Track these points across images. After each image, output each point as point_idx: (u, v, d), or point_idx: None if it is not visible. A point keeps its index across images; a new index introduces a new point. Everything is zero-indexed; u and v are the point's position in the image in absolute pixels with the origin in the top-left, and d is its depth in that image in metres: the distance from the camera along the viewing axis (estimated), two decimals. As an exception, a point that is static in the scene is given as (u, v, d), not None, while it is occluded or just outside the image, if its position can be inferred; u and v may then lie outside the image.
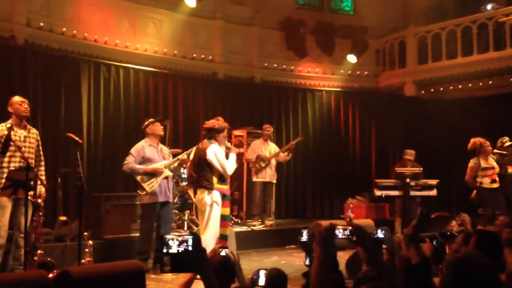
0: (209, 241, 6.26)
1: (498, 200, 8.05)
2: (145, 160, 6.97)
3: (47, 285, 3.56)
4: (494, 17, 10.51)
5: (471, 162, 8.07)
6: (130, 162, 6.91)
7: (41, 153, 6.01)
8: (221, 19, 11.10)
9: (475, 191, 8.21)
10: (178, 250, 2.52)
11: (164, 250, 2.53)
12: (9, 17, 8.27)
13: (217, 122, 6.66)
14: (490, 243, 3.50)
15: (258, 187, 9.63)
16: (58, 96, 8.72)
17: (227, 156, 6.61)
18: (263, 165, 9.57)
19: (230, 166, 6.53)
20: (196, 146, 6.83)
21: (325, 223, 7.91)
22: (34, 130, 5.94)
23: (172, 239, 2.54)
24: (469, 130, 9.96)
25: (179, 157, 7.15)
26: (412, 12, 12.73)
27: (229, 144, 6.87)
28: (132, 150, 7.03)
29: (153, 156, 7.02)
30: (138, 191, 7.00)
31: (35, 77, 8.48)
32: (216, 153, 6.43)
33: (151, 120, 7.26)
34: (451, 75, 11.31)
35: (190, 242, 2.50)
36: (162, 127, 7.28)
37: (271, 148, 9.76)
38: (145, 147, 7.04)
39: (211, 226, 6.42)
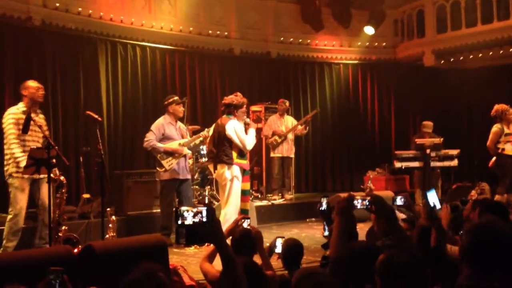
0: (230, 215, 6.33)
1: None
2: (164, 137, 7.04)
3: (73, 259, 3.65)
4: (514, -18, 10.25)
5: (495, 127, 7.96)
6: (152, 139, 6.97)
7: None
8: (235, -6, 11.03)
9: (494, 159, 8.11)
10: (193, 222, 2.56)
11: (179, 222, 2.57)
12: (25, -2, 8.31)
13: (236, 97, 6.67)
14: (494, 211, 3.49)
15: (276, 162, 9.66)
16: (77, 76, 8.79)
17: (246, 132, 6.63)
18: (279, 140, 9.56)
19: (249, 141, 6.55)
20: (216, 122, 6.85)
21: (344, 195, 7.99)
22: (41, 115, 5.99)
23: (187, 211, 2.58)
24: (490, 100, 9.79)
25: (199, 134, 7.17)
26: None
27: (248, 120, 6.88)
28: (153, 127, 7.08)
29: (172, 134, 7.08)
30: (157, 168, 7.08)
31: (53, 57, 8.55)
32: (235, 129, 6.46)
33: (175, 99, 7.25)
34: (471, 43, 11.10)
35: (204, 213, 2.53)
36: (183, 108, 7.29)
37: (288, 122, 9.74)
38: (164, 124, 7.09)
39: (232, 201, 6.48)
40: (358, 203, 3.68)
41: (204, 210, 2.53)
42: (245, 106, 6.77)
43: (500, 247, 2.20)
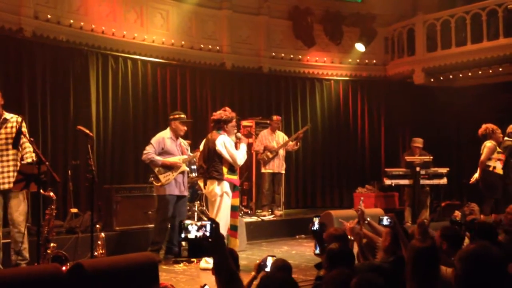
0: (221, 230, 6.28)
1: (504, 187, 7.95)
2: (164, 152, 6.98)
3: (62, 278, 3.58)
4: (504, 3, 10.35)
5: (490, 143, 7.88)
6: (150, 152, 6.91)
7: (25, 145, 5.70)
8: (228, 9, 11.04)
9: (476, 176, 8.03)
10: (196, 235, 2.52)
11: (183, 235, 2.53)
12: (17, 10, 8.25)
13: (224, 112, 6.62)
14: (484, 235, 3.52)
15: (267, 178, 9.62)
16: (67, 88, 8.72)
17: (237, 146, 6.60)
18: (270, 156, 9.54)
19: (240, 156, 6.51)
20: (206, 137, 6.82)
21: (335, 213, 7.99)
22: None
23: (191, 224, 2.55)
24: (479, 118, 9.85)
25: (195, 154, 7.12)
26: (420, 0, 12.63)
27: (239, 134, 6.82)
28: (153, 141, 7.03)
29: (172, 149, 7.03)
30: (153, 182, 7.00)
31: (44, 69, 8.48)
32: (225, 144, 6.42)
33: (182, 117, 7.20)
34: (461, 62, 11.20)
35: (208, 228, 2.50)
36: (185, 128, 7.24)
37: (279, 138, 9.73)
38: (166, 139, 7.04)
39: (222, 216, 6.42)
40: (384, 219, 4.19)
41: (208, 224, 2.50)
42: (234, 120, 6.72)
43: (494, 274, 2.19)
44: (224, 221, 6.45)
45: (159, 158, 6.89)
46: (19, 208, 5.47)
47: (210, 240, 2.50)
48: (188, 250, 2.34)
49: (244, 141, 6.75)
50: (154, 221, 7.12)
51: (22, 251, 5.47)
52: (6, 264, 5.61)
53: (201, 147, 6.80)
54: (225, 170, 6.48)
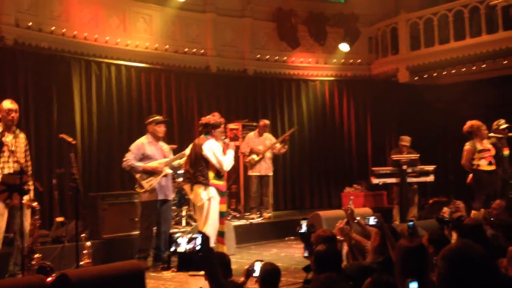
0: (209, 236, 6.23)
1: (495, 183, 8.03)
2: (145, 157, 6.93)
3: (46, 289, 3.54)
4: (485, 0, 10.44)
5: (467, 145, 8.01)
6: (130, 159, 6.86)
7: (29, 158, 5.92)
8: (212, 12, 11.01)
9: (471, 175, 8.19)
10: (186, 248, 2.49)
11: (173, 249, 2.50)
12: (-3, 18, 8.17)
13: (213, 117, 6.60)
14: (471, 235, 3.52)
15: (254, 181, 9.60)
16: (50, 96, 8.64)
17: (224, 152, 6.56)
18: (256, 159, 9.50)
19: (227, 161, 6.47)
20: (193, 142, 6.77)
21: (324, 213, 7.98)
22: (22, 135, 5.86)
23: (181, 237, 2.51)
24: (464, 115, 9.93)
25: (181, 154, 7.07)
26: (403, -2, 12.70)
27: (227, 140, 6.83)
28: (132, 147, 6.98)
29: (153, 154, 6.98)
30: (136, 189, 6.96)
31: (26, 77, 8.39)
32: (213, 149, 6.38)
33: (156, 118, 7.17)
34: (444, 60, 11.26)
35: (198, 241, 2.47)
36: (164, 129, 7.19)
37: (266, 140, 9.70)
38: (145, 144, 6.99)
39: (210, 222, 6.36)
40: (371, 219, 4.17)
41: (198, 237, 2.47)
42: (222, 125, 6.71)
43: (476, 272, 2.19)
44: (213, 226, 6.39)
45: (139, 164, 6.84)
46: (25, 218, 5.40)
47: (200, 254, 2.48)
48: (178, 263, 2.28)
49: (232, 147, 6.73)
50: (140, 228, 7.05)
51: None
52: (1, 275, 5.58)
53: (188, 151, 6.75)
54: (211, 175, 6.44)
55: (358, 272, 3.80)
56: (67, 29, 8.96)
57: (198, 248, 2.44)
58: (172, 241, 2.38)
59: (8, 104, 5.74)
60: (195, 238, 2.44)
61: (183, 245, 2.42)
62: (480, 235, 4.09)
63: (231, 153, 6.59)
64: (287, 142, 9.96)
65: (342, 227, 4.42)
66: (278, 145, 9.71)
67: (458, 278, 2.19)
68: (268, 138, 9.76)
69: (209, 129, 6.53)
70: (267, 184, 9.73)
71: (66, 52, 8.94)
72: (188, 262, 2.39)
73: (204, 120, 6.62)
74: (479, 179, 7.94)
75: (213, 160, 6.37)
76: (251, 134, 9.77)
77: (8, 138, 5.59)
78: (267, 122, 9.86)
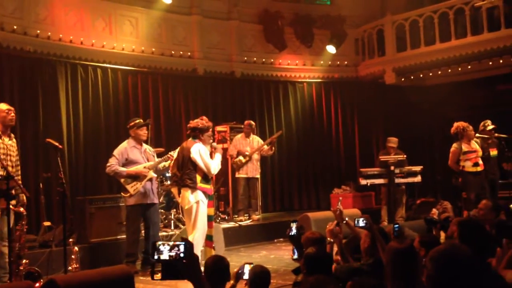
0: (197, 241, 6.21)
1: (481, 184, 8.10)
2: (128, 162, 6.89)
3: (34, 295, 3.49)
4: (470, 1, 10.52)
5: (453, 147, 8.12)
6: (113, 164, 6.82)
7: (19, 162, 5.86)
8: (198, 15, 10.98)
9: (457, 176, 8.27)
10: (169, 256, 2.46)
11: (156, 257, 2.47)
12: (-19, 21, 8.08)
13: (201, 121, 6.58)
14: (473, 233, 3.52)
15: (241, 183, 9.58)
16: (36, 100, 8.56)
17: (212, 156, 6.55)
18: (243, 161, 9.49)
19: (214, 165, 6.46)
20: (181, 145, 6.74)
21: (313, 215, 7.99)
22: (14, 139, 5.81)
23: (163, 244, 2.48)
24: (450, 115, 10.02)
25: (166, 157, 7.05)
26: (389, 0, 12.76)
27: (214, 144, 6.83)
28: (115, 152, 6.93)
29: (136, 158, 6.94)
30: (122, 193, 6.93)
31: (11, 81, 8.31)
32: (201, 152, 6.36)
33: (137, 122, 7.13)
34: (430, 61, 11.33)
35: (182, 248, 2.44)
36: (146, 132, 7.15)
37: (254, 142, 9.68)
38: (127, 148, 6.95)
39: (199, 226, 6.34)
40: (360, 221, 4.18)
41: (182, 245, 2.44)
42: (210, 130, 6.71)
43: (464, 272, 2.21)
44: (202, 229, 6.38)
45: (123, 169, 6.80)
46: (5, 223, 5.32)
47: (184, 261, 2.44)
48: (162, 272, 2.26)
49: (219, 151, 6.72)
50: (126, 232, 7.01)
51: (6, 264, 5.32)
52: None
53: (175, 154, 6.72)
54: (198, 178, 6.41)
55: (347, 274, 3.81)
56: (52, 32, 8.89)
57: (181, 255, 2.40)
58: (155, 249, 2.35)
59: (5, 105, 5.69)
60: (178, 245, 2.39)
61: (166, 253, 2.39)
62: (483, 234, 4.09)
63: (218, 157, 6.58)
64: (274, 144, 9.95)
65: (332, 229, 4.42)
66: (265, 147, 9.70)
67: (446, 279, 2.20)
68: (256, 140, 9.75)
69: (197, 133, 6.51)
70: (255, 186, 9.72)
71: (52, 55, 8.87)
72: (172, 271, 2.35)
73: (193, 124, 6.59)
74: (465, 181, 8.04)
75: (200, 163, 6.34)
76: (238, 136, 9.76)
77: (5, 141, 5.52)
78: (251, 122, 9.83)
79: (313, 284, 2.78)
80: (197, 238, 6.26)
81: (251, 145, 9.61)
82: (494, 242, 3.89)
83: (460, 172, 8.05)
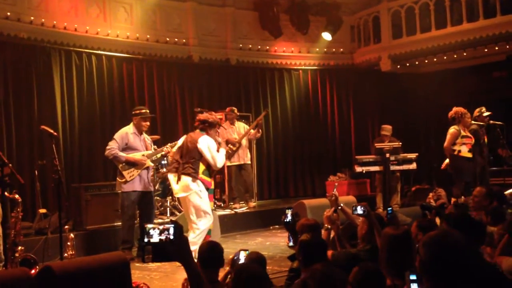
0: (205, 226, 6.30)
1: (474, 170, 8.10)
2: (128, 147, 6.88)
3: (30, 282, 3.49)
4: (466, -12, 10.51)
5: (453, 128, 7.98)
6: (113, 148, 6.79)
7: None
8: (193, 1, 10.89)
9: (446, 161, 8.22)
10: (160, 239, 2.46)
11: (146, 240, 2.47)
12: (-26, 8, 8.01)
13: (212, 116, 6.62)
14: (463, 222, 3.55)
15: (233, 171, 9.57)
16: (30, 87, 8.50)
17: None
18: (234, 148, 9.44)
19: (220, 159, 6.48)
20: (187, 134, 6.70)
21: (308, 202, 8.01)
22: None
23: (153, 228, 2.48)
24: (445, 102, 10.01)
25: (163, 148, 7.07)
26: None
27: (220, 139, 6.89)
28: (116, 136, 6.91)
29: (136, 145, 6.94)
30: (118, 178, 6.90)
31: (5, 68, 8.26)
32: (209, 145, 6.36)
33: (143, 111, 7.10)
34: (426, 48, 11.31)
35: (171, 231, 2.44)
36: (148, 124, 7.14)
37: (240, 128, 9.58)
38: (129, 134, 6.94)
39: (209, 211, 6.39)
40: (358, 209, 4.15)
41: (171, 227, 2.43)
42: (217, 126, 6.73)
43: (456, 258, 2.22)
44: (210, 217, 6.40)
45: (122, 154, 6.79)
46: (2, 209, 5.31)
47: (173, 244, 2.44)
48: (152, 255, 2.27)
49: (224, 147, 6.78)
50: (121, 219, 7.01)
51: (0, 253, 5.33)
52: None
53: (180, 142, 6.66)
54: (201, 169, 6.45)
55: (345, 260, 3.83)
56: (46, 19, 8.81)
57: (171, 238, 2.40)
58: (145, 232, 2.36)
59: None
60: (167, 229, 2.39)
61: (156, 236, 2.38)
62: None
63: (223, 151, 6.65)
64: (261, 126, 9.88)
65: (330, 215, 4.44)
66: (252, 131, 9.61)
67: (438, 264, 2.21)
68: (242, 126, 9.67)
69: (205, 126, 6.52)
70: (248, 171, 9.67)
71: (46, 42, 8.80)
72: (163, 254, 2.36)
73: (203, 116, 6.61)
74: (458, 166, 7.99)
75: (207, 154, 6.34)
76: (224, 124, 9.58)
77: None
78: (233, 108, 9.67)
79: (323, 271, 2.75)
80: (204, 224, 6.29)
81: (238, 131, 9.54)
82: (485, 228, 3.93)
83: (453, 156, 8.00)
